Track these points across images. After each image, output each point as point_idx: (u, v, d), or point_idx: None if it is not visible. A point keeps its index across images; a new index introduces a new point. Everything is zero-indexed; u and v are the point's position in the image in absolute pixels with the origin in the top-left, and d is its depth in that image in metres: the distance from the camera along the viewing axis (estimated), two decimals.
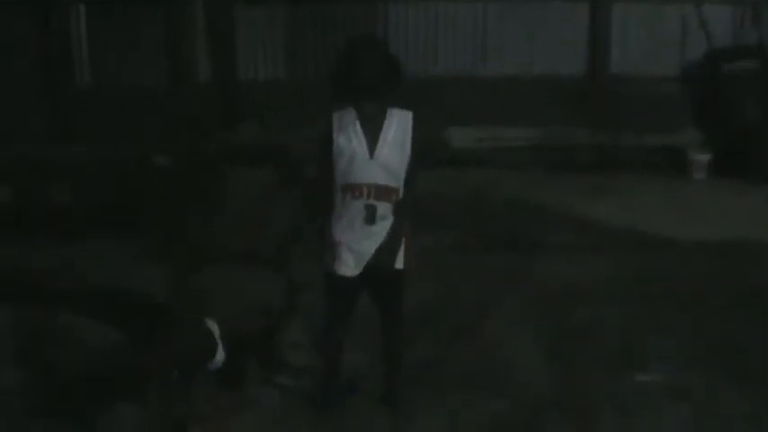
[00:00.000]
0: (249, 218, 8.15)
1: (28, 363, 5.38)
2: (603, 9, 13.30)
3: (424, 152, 4.84)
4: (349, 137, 4.71)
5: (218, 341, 5.17)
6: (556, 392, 5.49)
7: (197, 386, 5.16)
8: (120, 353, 5.37)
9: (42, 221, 8.01)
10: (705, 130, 11.49)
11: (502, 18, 16.35)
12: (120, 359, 5.27)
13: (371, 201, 4.74)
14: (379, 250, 4.82)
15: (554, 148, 11.82)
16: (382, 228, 4.80)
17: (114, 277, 6.80)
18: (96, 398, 4.99)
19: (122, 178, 8.58)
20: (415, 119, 4.79)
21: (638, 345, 6.11)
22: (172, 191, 8.36)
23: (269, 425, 5.17)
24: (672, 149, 11.47)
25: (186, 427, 4.99)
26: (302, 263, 6.24)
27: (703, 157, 11.16)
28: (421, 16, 16.39)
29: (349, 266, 4.86)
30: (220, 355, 5.16)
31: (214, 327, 5.19)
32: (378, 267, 4.84)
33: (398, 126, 4.74)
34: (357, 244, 4.82)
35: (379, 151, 4.71)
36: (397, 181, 4.77)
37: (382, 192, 4.75)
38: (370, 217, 4.76)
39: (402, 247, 4.89)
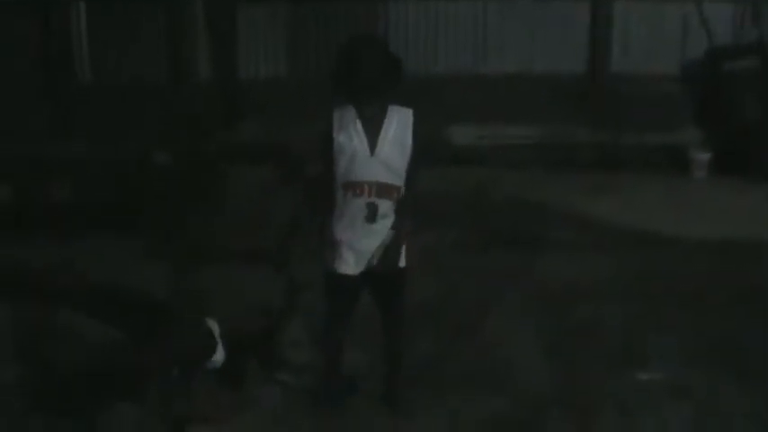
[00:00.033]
0: (249, 217, 8.15)
1: (28, 360, 5.39)
2: (604, 7, 13.28)
3: (425, 150, 4.83)
4: (350, 135, 4.70)
5: (218, 341, 5.17)
6: (556, 391, 5.48)
7: (197, 385, 5.15)
8: (120, 351, 5.37)
9: (42, 219, 8.00)
10: (706, 129, 11.47)
11: (502, 16, 16.37)
12: (119, 357, 5.27)
13: (373, 199, 4.74)
14: (383, 249, 4.82)
15: (555, 146, 11.80)
16: (383, 226, 4.80)
17: (114, 275, 6.81)
18: (96, 395, 4.99)
19: (123, 176, 8.58)
20: (415, 116, 4.78)
21: (638, 343, 6.11)
22: (172, 189, 8.36)
23: (269, 423, 5.17)
24: (672, 148, 11.45)
25: (186, 425, 4.98)
26: (302, 262, 6.23)
27: (704, 156, 11.14)
28: (421, 14, 16.41)
29: (350, 265, 4.86)
30: (220, 355, 5.16)
31: (214, 326, 5.19)
32: (381, 266, 4.84)
33: (399, 124, 4.73)
34: (358, 242, 4.82)
35: (380, 149, 4.70)
36: (398, 179, 4.77)
37: (383, 190, 4.74)
38: (372, 215, 4.76)
39: (404, 246, 4.89)
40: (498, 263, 7.68)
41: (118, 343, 5.55)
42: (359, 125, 4.70)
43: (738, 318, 6.48)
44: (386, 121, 4.72)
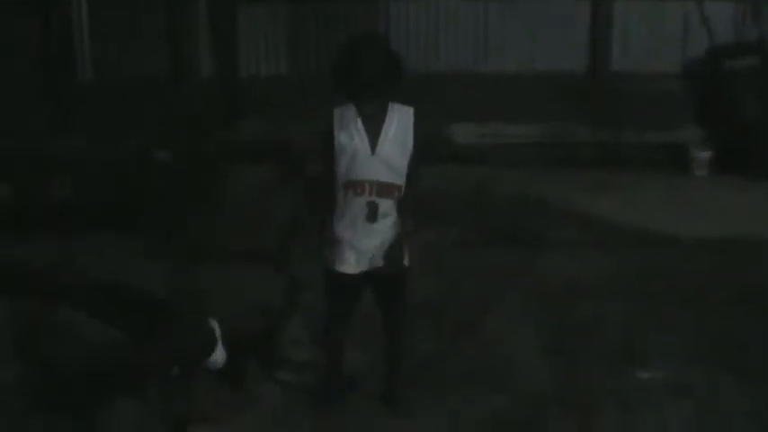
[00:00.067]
0: (249, 217, 8.15)
1: (28, 359, 5.38)
2: (605, 6, 13.26)
3: (426, 148, 4.83)
4: (350, 134, 4.69)
5: (219, 341, 5.16)
6: (557, 389, 5.49)
7: (197, 383, 5.15)
8: (120, 349, 5.37)
9: (42, 218, 8.00)
10: (706, 127, 11.47)
11: (503, 15, 16.37)
12: (119, 356, 5.26)
13: (373, 198, 4.73)
14: (388, 248, 4.81)
15: (556, 144, 11.80)
16: (384, 225, 4.79)
17: (115, 273, 6.79)
18: (96, 394, 4.99)
19: (123, 176, 8.57)
20: (416, 115, 4.78)
21: (639, 341, 6.11)
22: (172, 188, 8.36)
23: (269, 423, 5.17)
24: (673, 146, 11.45)
25: (186, 423, 4.98)
26: (303, 262, 6.24)
27: (705, 154, 11.13)
28: (422, 13, 16.42)
29: (350, 264, 4.85)
30: (221, 356, 5.15)
31: (215, 327, 5.18)
32: (387, 267, 4.83)
33: (400, 122, 4.73)
34: (359, 241, 4.81)
35: (381, 148, 4.70)
36: (399, 178, 4.76)
37: (384, 189, 4.73)
38: (372, 214, 4.75)
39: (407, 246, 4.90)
40: (499, 261, 7.68)
41: (118, 342, 5.55)
42: (360, 124, 4.70)
43: (739, 316, 6.48)
44: (386, 119, 4.72)
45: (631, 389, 5.47)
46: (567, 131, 11.99)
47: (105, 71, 15.24)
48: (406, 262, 4.89)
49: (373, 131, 4.70)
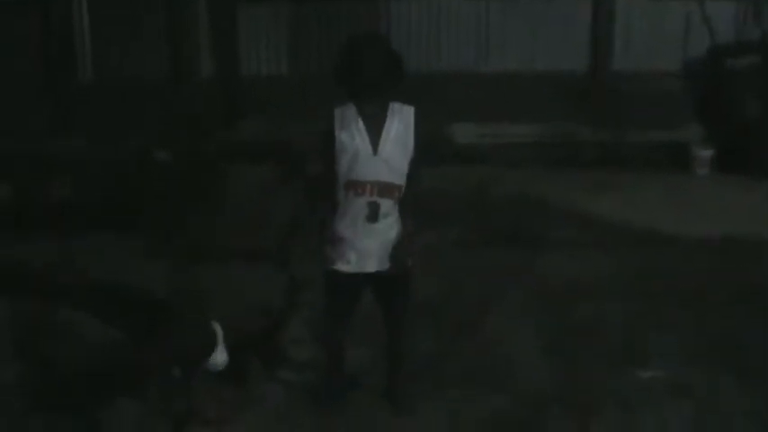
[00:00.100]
0: (249, 217, 8.15)
1: (28, 358, 5.38)
2: (606, 5, 13.27)
3: (427, 148, 4.83)
4: (351, 134, 4.69)
5: (222, 344, 5.15)
6: (557, 388, 5.49)
7: (198, 383, 5.15)
8: (120, 349, 5.37)
9: (42, 218, 7.99)
10: (707, 126, 11.48)
11: (504, 14, 16.39)
12: (119, 355, 5.26)
13: (374, 198, 4.72)
14: (391, 249, 4.81)
15: (556, 144, 11.80)
16: (385, 225, 4.79)
17: (115, 273, 6.79)
18: (96, 394, 4.99)
19: (123, 175, 8.57)
20: (417, 114, 4.77)
21: (639, 341, 6.11)
22: (172, 188, 8.36)
23: (271, 421, 5.17)
24: (674, 145, 11.45)
25: (186, 423, 4.98)
26: (303, 262, 6.24)
27: (706, 153, 11.14)
28: (423, 12, 16.43)
29: (351, 264, 4.85)
30: (223, 358, 5.15)
31: (217, 329, 5.17)
32: (389, 266, 4.83)
33: (401, 122, 4.72)
34: (359, 241, 4.81)
35: (382, 147, 4.69)
36: (399, 178, 4.75)
37: (385, 189, 4.73)
38: (373, 214, 4.75)
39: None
40: (499, 261, 7.67)
41: (118, 341, 5.55)
42: (360, 124, 4.69)
43: (739, 316, 6.47)
44: (387, 119, 4.71)
45: (631, 389, 5.47)
46: (567, 131, 11.99)
47: (105, 71, 15.27)
48: (407, 262, 4.90)
49: (374, 131, 4.69)
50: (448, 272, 7.28)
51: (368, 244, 4.80)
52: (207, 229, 7.69)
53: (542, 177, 10.58)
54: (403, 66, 4.78)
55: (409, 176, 4.78)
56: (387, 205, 4.76)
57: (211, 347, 5.12)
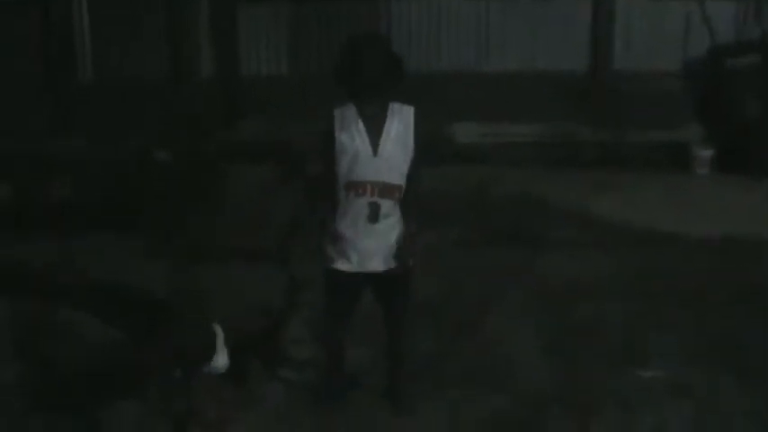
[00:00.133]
0: (249, 217, 8.15)
1: (28, 359, 5.38)
2: (606, 5, 13.26)
3: (427, 148, 4.83)
4: (351, 134, 4.68)
5: (223, 347, 5.15)
6: (557, 388, 5.49)
7: (198, 383, 5.15)
8: (120, 349, 5.37)
9: (42, 218, 8.00)
10: (707, 126, 11.47)
11: (504, 14, 16.37)
12: (120, 356, 5.26)
13: (375, 198, 4.72)
14: (396, 250, 4.81)
15: (557, 144, 11.80)
16: (385, 225, 4.78)
17: (115, 273, 6.79)
18: (96, 394, 4.99)
19: (123, 176, 8.57)
20: (417, 114, 4.77)
21: (639, 341, 6.11)
22: (172, 188, 8.36)
23: (271, 421, 5.17)
24: (674, 145, 11.45)
25: (187, 423, 4.98)
26: (303, 261, 6.24)
27: (706, 153, 11.14)
28: (424, 12, 16.41)
29: (351, 263, 4.85)
30: (224, 361, 5.14)
31: (219, 332, 5.16)
32: (391, 266, 4.83)
33: (401, 122, 4.72)
34: (360, 241, 4.80)
35: (383, 148, 4.68)
36: (400, 178, 4.75)
37: (386, 189, 4.72)
38: (374, 215, 4.74)
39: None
40: (500, 261, 7.67)
41: (118, 342, 5.55)
42: (360, 124, 4.68)
43: (739, 316, 6.47)
44: (387, 120, 4.71)
45: (631, 388, 5.47)
46: (567, 131, 11.99)
47: (105, 71, 15.26)
48: (409, 262, 4.90)
49: (374, 132, 4.69)
50: (448, 272, 7.28)
51: (369, 244, 4.80)
52: (207, 229, 7.69)
53: (542, 177, 10.58)
54: (403, 66, 4.78)
55: (409, 176, 4.77)
56: (387, 205, 4.75)
57: (212, 348, 5.12)
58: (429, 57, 16.03)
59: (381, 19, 16.16)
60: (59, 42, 12.92)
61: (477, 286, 7.10)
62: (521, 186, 10.01)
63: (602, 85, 13.15)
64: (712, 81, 11.52)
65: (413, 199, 4.83)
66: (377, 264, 4.84)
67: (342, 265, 4.86)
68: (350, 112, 4.71)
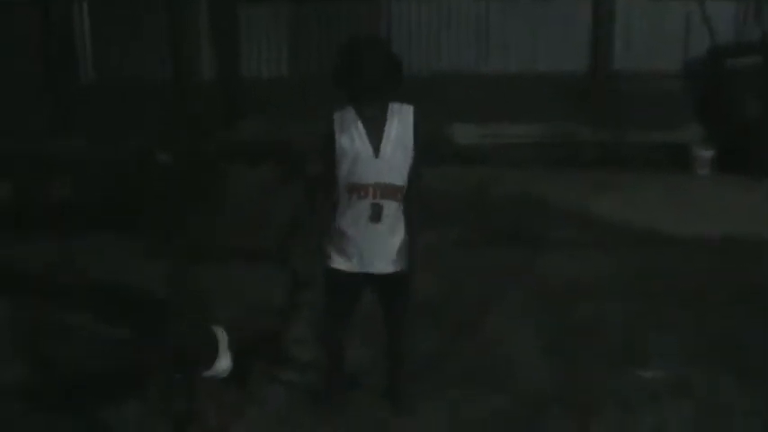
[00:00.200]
0: (249, 217, 8.16)
1: (28, 359, 5.39)
2: (606, 5, 13.26)
3: (427, 148, 4.82)
4: (352, 137, 4.67)
5: (227, 350, 5.14)
6: (557, 388, 5.48)
7: (200, 383, 5.15)
8: (121, 349, 5.38)
9: (42, 218, 8.01)
10: (707, 126, 11.47)
11: (505, 15, 16.35)
12: (120, 356, 5.27)
13: (377, 200, 4.71)
14: (399, 252, 4.82)
15: (557, 144, 11.79)
16: (387, 225, 4.78)
17: (115, 273, 6.81)
18: (96, 393, 5.00)
19: (123, 176, 8.58)
20: (416, 113, 4.75)
21: (639, 341, 6.10)
22: (172, 188, 8.36)
23: (273, 423, 5.16)
24: (675, 145, 11.45)
25: (187, 423, 4.98)
26: (303, 261, 6.24)
27: (706, 153, 11.13)
28: (424, 12, 16.39)
29: (352, 263, 4.84)
30: (227, 364, 5.14)
31: (222, 335, 5.16)
32: (403, 268, 4.84)
33: (400, 122, 4.71)
34: (362, 241, 4.79)
35: (384, 150, 4.67)
36: (401, 179, 4.74)
37: (388, 190, 4.71)
38: (376, 215, 4.73)
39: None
40: (500, 261, 7.67)
41: (118, 342, 5.56)
42: (360, 127, 4.67)
43: (739, 316, 6.47)
44: (387, 121, 4.69)
45: (631, 388, 5.46)
46: (568, 131, 11.99)
47: (105, 71, 15.26)
48: (415, 266, 4.90)
49: (375, 134, 4.67)
50: (448, 272, 7.27)
51: (370, 244, 4.79)
52: (207, 229, 7.70)
53: (542, 177, 10.58)
54: (402, 69, 4.77)
55: (410, 176, 4.77)
56: (389, 206, 4.74)
57: (213, 349, 5.12)
58: (429, 57, 16.02)
59: (381, 19, 16.15)
60: (59, 42, 12.93)
61: (477, 286, 7.10)
62: (521, 186, 10.01)
63: (602, 86, 13.15)
64: (712, 81, 11.52)
65: (415, 196, 4.83)
66: (379, 265, 4.83)
67: (342, 265, 4.86)
68: (349, 114, 4.70)
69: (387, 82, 4.68)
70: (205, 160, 9.18)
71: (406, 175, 4.74)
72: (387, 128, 4.68)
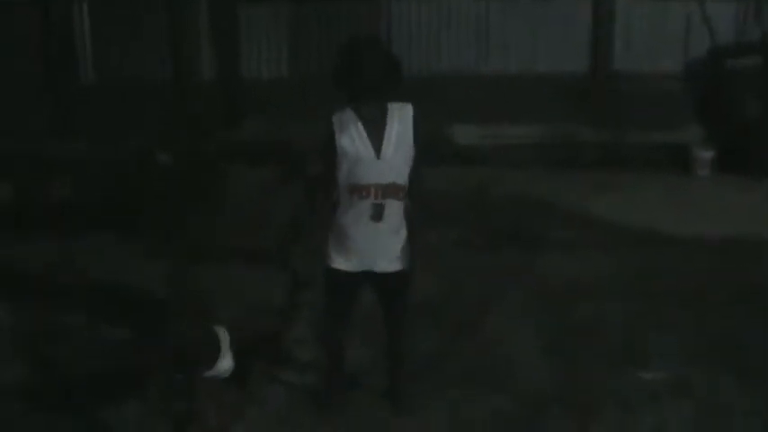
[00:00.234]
0: (249, 217, 8.15)
1: (28, 358, 5.39)
2: (606, 5, 13.26)
3: (427, 148, 4.82)
4: (352, 138, 4.67)
5: (229, 350, 5.14)
6: (557, 388, 5.49)
7: (200, 383, 5.15)
8: (121, 350, 5.37)
9: (42, 219, 8.01)
10: (708, 127, 11.47)
11: (505, 15, 16.35)
12: (120, 356, 5.27)
13: (379, 200, 4.70)
14: (400, 251, 4.82)
15: (557, 145, 11.79)
16: (389, 225, 4.77)
17: (115, 273, 6.81)
18: (96, 393, 5.00)
19: (123, 176, 8.58)
20: (415, 112, 4.74)
21: (639, 341, 6.11)
22: (172, 188, 8.36)
23: (273, 424, 5.17)
24: (675, 146, 11.44)
25: (187, 423, 4.98)
26: (303, 261, 6.23)
27: (706, 154, 11.13)
28: (424, 13, 16.39)
29: (352, 263, 4.84)
30: (229, 365, 5.14)
31: (224, 335, 5.16)
32: (390, 266, 4.84)
33: (400, 122, 4.70)
34: (363, 241, 4.79)
35: (385, 151, 4.66)
36: (403, 178, 4.73)
37: (389, 190, 4.70)
38: (378, 215, 4.72)
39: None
40: (500, 261, 7.67)
41: (118, 342, 5.56)
42: (360, 128, 4.67)
43: (739, 316, 6.47)
44: (387, 121, 4.68)
45: (631, 389, 5.47)
46: (568, 132, 11.97)
47: (106, 71, 15.26)
48: (416, 265, 4.90)
49: (375, 135, 4.67)
50: (448, 272, 7.27)
51: (372, 243, 4.79)
52: (207, 229, 7.70)
53: (543, 178, 10.58)
54: (401, 69, 4.77)
55: (411, 176, 4.77)
56: (391, 205, 4.74)
57: (214, 347, 5.11)
58: (429, 58, 16.03)
59: (381, 19, 16.15)
60: (59, 42, 12.92)
61: (477, 286, 7.10)
62: (521, 187, 10.02)
63: (603, 86, 13.15)
64: (712, 82, 11.51)
65: (416, 195, 4.83)
66: (381, 264, 4.84)
67: (342, 265, 4.86)
68: (349, 115, 4.69)
69: (386, 82, 4.67)
70: (205, 160, 9.17)
71: (407, 174, 4.75)
72: (387, 129, 4.67)
